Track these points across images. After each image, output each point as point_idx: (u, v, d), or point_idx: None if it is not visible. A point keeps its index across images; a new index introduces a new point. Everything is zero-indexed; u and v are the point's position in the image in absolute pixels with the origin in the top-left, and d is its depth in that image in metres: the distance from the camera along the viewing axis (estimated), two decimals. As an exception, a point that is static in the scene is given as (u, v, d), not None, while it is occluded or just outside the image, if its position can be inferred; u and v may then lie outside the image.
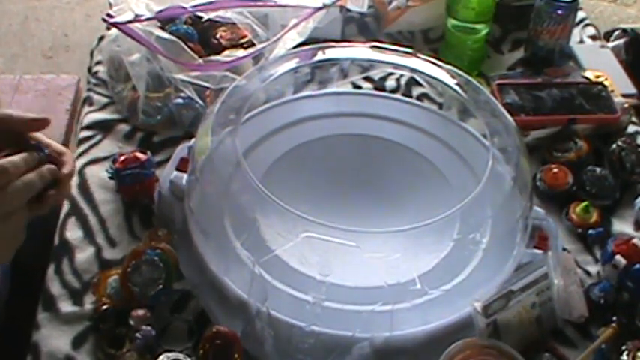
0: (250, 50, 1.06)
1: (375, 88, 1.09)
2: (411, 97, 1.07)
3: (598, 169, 0.97)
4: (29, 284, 0.88)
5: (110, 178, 0.92)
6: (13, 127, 0.75)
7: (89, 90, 1.10)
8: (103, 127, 1.03)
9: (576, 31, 1.21)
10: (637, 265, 0.83)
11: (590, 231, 0.91)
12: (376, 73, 1.10)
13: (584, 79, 1.10)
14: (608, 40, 1.44)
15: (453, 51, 1.14)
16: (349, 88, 1.06)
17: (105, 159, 0.98)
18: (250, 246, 0.76)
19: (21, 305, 0.88)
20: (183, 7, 1.06)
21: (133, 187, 0.91)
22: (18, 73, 2.11)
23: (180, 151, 0.91)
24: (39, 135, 0.76)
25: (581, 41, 1.22)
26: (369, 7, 1.22)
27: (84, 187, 0.95)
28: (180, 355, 0.76)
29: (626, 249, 0.85)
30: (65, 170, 0.75)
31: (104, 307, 0.80)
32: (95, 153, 0.99)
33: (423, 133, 0.95)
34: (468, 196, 0.76)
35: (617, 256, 0.85)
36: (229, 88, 0.87)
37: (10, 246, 0.72)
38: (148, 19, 1.02)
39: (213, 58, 1.04)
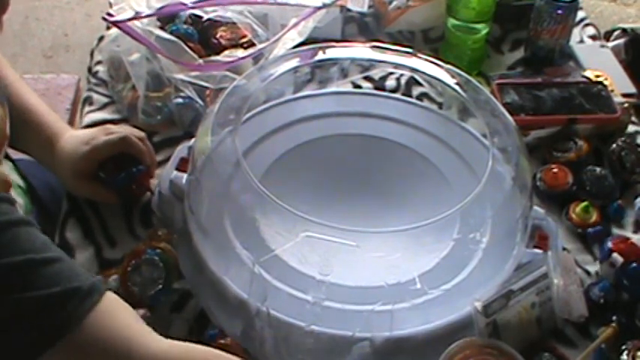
0: (250, 50, 1.06)
1: (375, 88, 1.09)
2: (411, 96, 1.07)
3: (598, 169, 0.97)
4: None
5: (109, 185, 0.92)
6: (133, 152, 0.89)
7: (89, 90, 1.10)
8: (103, 127, 1.03)
9: (576, 30, 1.21)
10: (633, 264, 0.83)
11: (590, 229, 0.91)
12: (376, 73, 1.10)
13: (584, 79, 1.10)
14: (608, 40, 1.44)
15: (453, 51, 1.14)
16: (349, 88, 1.06)
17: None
18: (250, 246, 0.76)
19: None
20: (184, 4, 1.06)
21: (130, 186, 0.91)
22: (18, 73, 2.11)
23: (180, 151, 0.91)
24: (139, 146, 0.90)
25: (581, 41, 1.22)
26: (369, 6, 1.22)
27: (84, 187, 0.95)
28: (181, 355, 0.76)
29: (623, 248, 0.85)
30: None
31: (104, 307, 0.80)
32: (95, 153, 0.99)
33: (423, 133, 0.95)
34: (468, 196, 0.76)
35: (614, 254, 0.85)
36: (229, 88, 0.87)
37: None
38: (148, 16, 1.02)
39: (213, 58, 1.04)
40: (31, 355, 0.53)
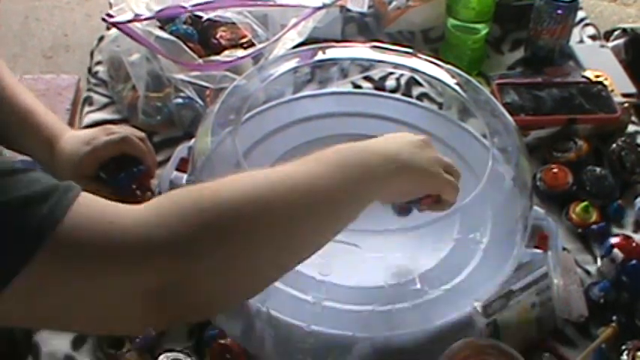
0: (250, 50, 1.06)
1: (375, 88, 1.09)
2: (411, 97, 1.07)
3: (598, 169, 0.97)
4: None
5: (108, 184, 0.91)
6: (133, 152, 0.88)
7: (89, 90, 1.10)
8: (103, 127, 1.03)
9: (576, 30, 1.21)
10: (633, 262, 0.83)
11: (593, 226, 0.91)
12: (376, 73, 1.10)
13: (584, 79, 1.10)
14: (608, 40, 1.44)
15: (453, 51, 1.14)
16: (349, 88, 1.06)
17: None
18: (250, 246, 0.76)
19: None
20: (183, 7, 1.06)
21: (130, 187, 0.91)
22: (18, 73, 2.11)
23: (180, 151, 0.91)
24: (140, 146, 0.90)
25: (581, 41, 1.22)
26: (369, 7, 1.22)
27: (84, 187, 0.95)
28: (180, 355, 0.76)
29: (625, 244, 0.85)
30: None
31: (104, 307, 0.80)
32: (95, 153, 0.99)
33: (423, 133, 0.95)
34: (468, 196, 0.76)
35: (615, 250, 0.85)
36: (229, 88, 0.87)
37: None
38: (147, 19, 1.02)
39: (213, 58, 1.04)
40: (21, 255, 0.52)
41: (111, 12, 1.03)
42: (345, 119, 0.97)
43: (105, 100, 1.08)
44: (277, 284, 0.75)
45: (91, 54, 1.16)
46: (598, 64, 1.14)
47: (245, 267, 0.59)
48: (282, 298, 0.75)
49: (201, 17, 1.10)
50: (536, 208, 0.86)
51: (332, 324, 0.73)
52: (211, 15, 1.09)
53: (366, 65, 1.07)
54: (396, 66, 0.97)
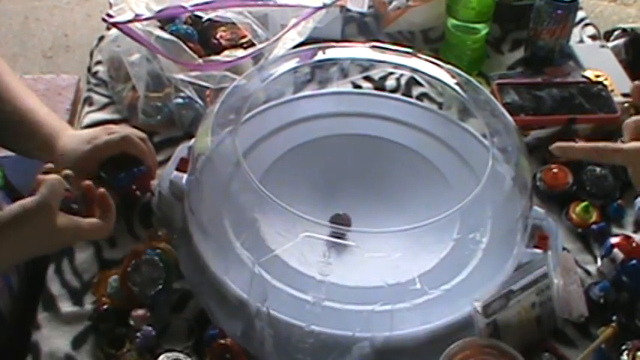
0: (250, 50, 1.06)
1: (375, 88, 1.09)
2: (411, 97, 1.07)
3: (598, 169, 0.97)
4: (32, 284, 0.89)
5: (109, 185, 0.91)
6: (134, 152, 0.89)
7: (89, 90, 1.10)
8: (103, 127, 1.03)
9: (576, 30, 1.21)
10: (633, 262, 0.83)
11: (593, 226, 0.91)
12: (376, 73, 1.10)
13: (584, 79, 1.10)
14: (608, 40, 1.44)
15: (453, 51, 1.14)
16: (349, 88, 1.06)
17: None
18: (250, 246, 0.76)
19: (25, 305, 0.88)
20: (183, 7, 1.06)
21: (130, 187, 0.91)
22: (18, 73, 2.11)
23: (180, 151, 0.91)
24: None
25: (581, 41, 1.22)
26: (369, 7, 1.22)
27: (84, 187, 0.95)
28: (181, 355, 0.76)
29: (625, 244, 0.86)
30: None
31: (104, 307, 0.80)
32: (95, 153, 0.99)
33: (423, 133, 0.95)
34: (468, 196, 0.76)
35: (615, 250, 0.85)
36: (229, 88, 0.87)
37: None
38: (147, 19, 1.02)
39: (213, 58, 1.04)
40: None
41: (111, 12, 1.03)
42: (345, 119, 0.97)
43: (105, 100, 1.08)
44: (277, 284, 0.76)
45: (91, 54, 1.16)
46: (598, 64, 1.14)
47: None
48: (282, 298, 0.75)
49: (201, 17, 1.10)
50: (536, 208, 0.86)
51: (332, 324, 0.73)
52: (211, 15, 1.09)
53: (366, 65, 1.07)
54: (396, 66, 0.97)
